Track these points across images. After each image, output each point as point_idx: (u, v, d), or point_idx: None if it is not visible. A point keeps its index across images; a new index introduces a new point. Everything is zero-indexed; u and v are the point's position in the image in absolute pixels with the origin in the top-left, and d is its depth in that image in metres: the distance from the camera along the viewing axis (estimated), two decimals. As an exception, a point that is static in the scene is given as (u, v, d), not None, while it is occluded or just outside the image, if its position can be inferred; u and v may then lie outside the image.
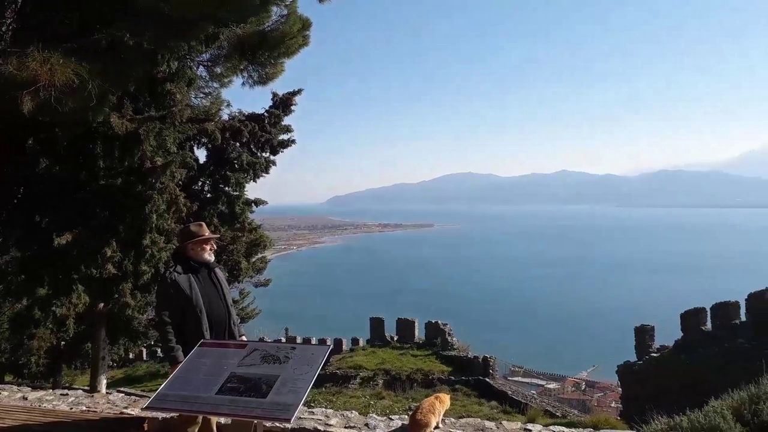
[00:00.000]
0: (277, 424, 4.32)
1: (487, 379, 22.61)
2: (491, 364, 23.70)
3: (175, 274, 4.20)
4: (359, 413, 4.76)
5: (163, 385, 3.74)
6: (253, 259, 18.93)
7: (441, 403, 4.17)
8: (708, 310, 20.11)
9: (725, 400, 6.83)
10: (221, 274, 4.56)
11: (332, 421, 4.52)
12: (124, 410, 5.27)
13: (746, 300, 19.13)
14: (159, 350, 27.81)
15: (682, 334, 20.61)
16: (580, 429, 4.47)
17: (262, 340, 27.15)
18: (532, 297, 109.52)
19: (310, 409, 4.85)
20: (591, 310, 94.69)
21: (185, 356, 4.01)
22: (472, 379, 22.44)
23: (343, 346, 29.76)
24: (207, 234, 4.47)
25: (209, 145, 14.33)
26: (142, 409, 4.68)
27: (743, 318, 19.29)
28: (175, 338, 4.11)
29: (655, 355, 21.13)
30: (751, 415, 6.14)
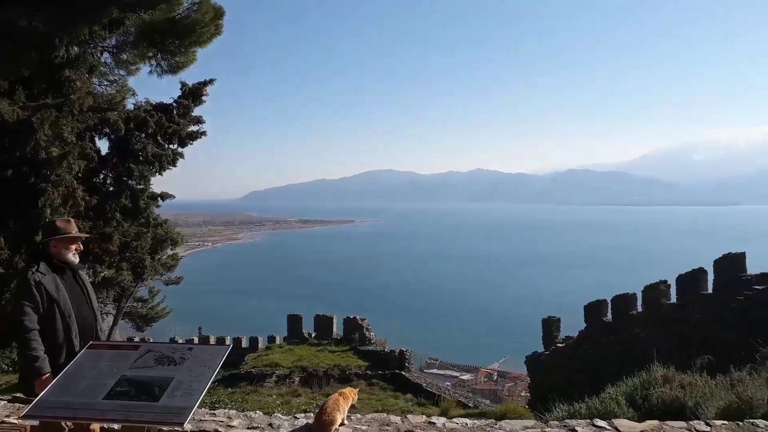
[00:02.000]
0: (177, 429, 4.12)
1: (403, 373, 22.93)
2: (407, 357, 24.07)
3: (39, 274, 3.81)
4: (263, 413, 4.64)
5: (44, 391, 3.47)
6: (162, 256, 18.12)
7: (345, 399, 4.13)
8: (609, 301, 21.29)
9: (620, 386, 7.26)
10: (86, 277, 4.21)
11: (234, 423, 4.37)
12: (6, 419, 4.87)
13: (642, 292, 20.38)
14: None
15: (585, 325, 21.74)
16: (483, 420, 4.57)
17: (173, 340, 26.17)
18: (449, 290, 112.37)
19: (212, 411, 4.68)
20: (504, 302, 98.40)
21: (53, 367, 3.71)
22: (389, 372, 22.67)
23: (260, 344, 29.24)
24: (74, 232, 4.08)
25: (112, 136, 13.53)
26: (19, 418, 4.33)
27: (640, 309, 20.57)
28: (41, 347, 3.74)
29: (560, 345, 22.16)
30: (642, 400, 6.55)
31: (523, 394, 33.98)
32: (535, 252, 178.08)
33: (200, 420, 4.40)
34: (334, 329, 27.82)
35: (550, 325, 23.14)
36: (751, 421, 4.48)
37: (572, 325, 23.45)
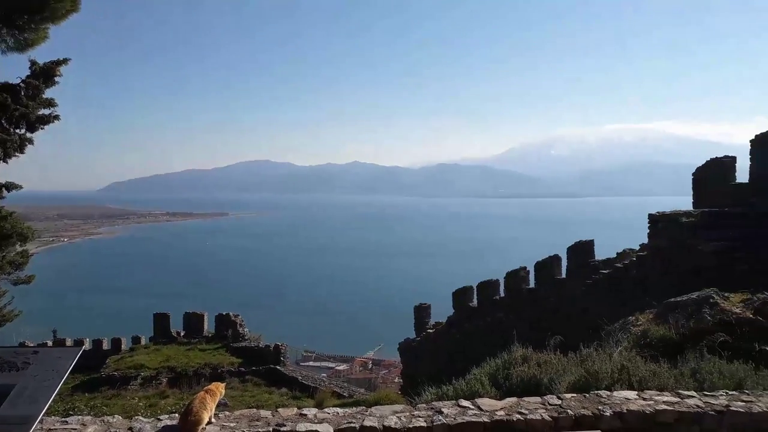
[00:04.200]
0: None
1: (278, 367, 22.72)
2: (283, 351, 23.86)
3: None
4: (124, 417, 4.34)
5: None
6: (9, 253, 16.33)
7: (212, 396, 3.98)
8: (474, 288, 22.55)
9: (484, 367, 7.70)
10: None
11: (90, 429, 4.05)
12: None
13: (504, 278, 21.84)
14: None
15: (453, 310, 22.85)
16: (356, 408, 4.63)
17: (22, 345, 23.74)
18: (324, 282, 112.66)
19: (64, 419, 4.30)
20: (377, 291, 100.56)
21: None
22: (263, 368, 22.34)
23: (123, 346, 27.48)
24: None
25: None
26: None
27: (503, 294, 22.02)
28: None
29: (430, 330, 23.13)
30: (504, 379, 6.99)
31: (396, 380, 35.08)
32: (408, 241, 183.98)
33: (49, 429, 4.03)
34: (206, 327, 26.91)
35: (421, 312, 24.06)
36: (596, 392, 4.97)
37: (442, 312, 24.56)
